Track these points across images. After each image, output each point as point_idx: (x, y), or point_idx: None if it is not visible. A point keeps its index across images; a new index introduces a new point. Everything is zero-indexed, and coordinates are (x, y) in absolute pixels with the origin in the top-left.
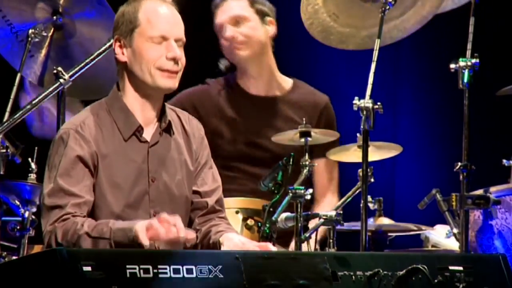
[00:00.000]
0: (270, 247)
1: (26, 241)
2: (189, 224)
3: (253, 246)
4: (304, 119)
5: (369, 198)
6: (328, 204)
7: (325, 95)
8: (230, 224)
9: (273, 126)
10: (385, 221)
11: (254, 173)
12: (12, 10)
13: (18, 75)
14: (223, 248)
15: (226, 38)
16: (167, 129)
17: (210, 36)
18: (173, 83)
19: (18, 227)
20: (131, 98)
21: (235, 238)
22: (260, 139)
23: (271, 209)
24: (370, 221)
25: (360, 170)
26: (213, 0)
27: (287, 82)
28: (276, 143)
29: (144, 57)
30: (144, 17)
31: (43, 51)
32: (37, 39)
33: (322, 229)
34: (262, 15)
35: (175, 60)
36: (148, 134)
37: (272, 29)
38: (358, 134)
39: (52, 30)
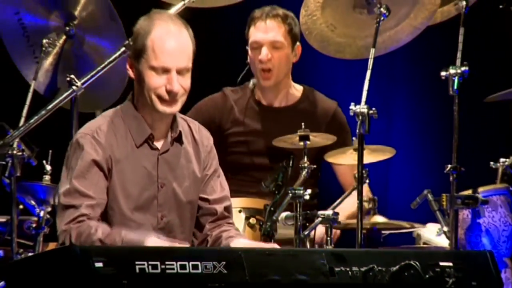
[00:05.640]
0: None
1: (41, 238)
2: (196, 227)
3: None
4: (302, 124)
5: (364, 198)
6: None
7: (334, 101)
8: (238, 230)
9: (283, 135)
10: (379, 219)
11: (260, 178)
12: (29, 14)
13: (33, 82)
14: None
15: (261, 59)
16: (178, 139)
17: (226, 43)
18: (172, 109)
19: (33, 226)
20: (142, 110)
21: (245, 242)
22: (269, 148)
23: (272, 209)
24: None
25: (355, 172)
26: (252, 12)
27: (298, 91)
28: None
29: (146, 84)
30: (150, 45)
31: (50, 61)
32: (50, 49)
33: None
34: (294, 41)
35: (173, 93)
36: (159, 142)
37: (297, 56)
38: (354, 138)
39: (63, 39)
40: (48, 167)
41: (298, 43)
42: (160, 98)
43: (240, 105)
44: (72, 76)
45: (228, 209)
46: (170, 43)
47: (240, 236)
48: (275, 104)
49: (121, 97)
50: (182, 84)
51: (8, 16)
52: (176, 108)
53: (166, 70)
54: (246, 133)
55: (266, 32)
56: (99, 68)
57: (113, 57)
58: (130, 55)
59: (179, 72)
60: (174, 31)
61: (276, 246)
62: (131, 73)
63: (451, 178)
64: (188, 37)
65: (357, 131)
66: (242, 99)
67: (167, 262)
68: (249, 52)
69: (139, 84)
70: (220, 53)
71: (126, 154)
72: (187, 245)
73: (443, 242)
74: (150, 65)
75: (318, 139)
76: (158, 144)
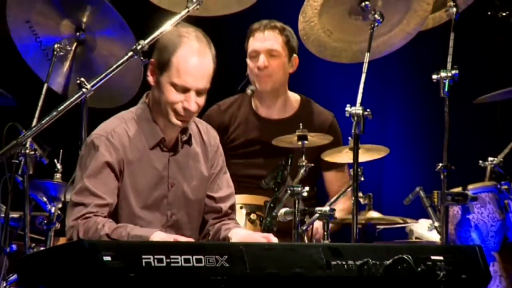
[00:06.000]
0: (272, 237)
1: (53, 233)
2: (202, 222)
3: (258, 236)
4: (300, 124)
5: (360, 194)
6: (341, 209)
7: (331, 112)
8: (238, 223)
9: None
10: (374, 214)
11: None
12: (40, 25)
13: (45, 85)
14: (231, 240)
15: (259, 66)
16: (187, 141)
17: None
18: (185, 124)
19: (45, 221)
20: (156, 115)
21: (242, 231)
22: (268, 159)
23: (272, 205)
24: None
25: (351, 170)
26: (251, 25)
27: (295, 102)
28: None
29: (164, 96)
30: (175, 63)
31: (67, 64)
32: (62, 53)
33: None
34: (291, 52)
35: (189, 111)
36: (170, 145)
37: (294, 67)
38: (349, 138)
39: (75, 45)
40: (59, 166)
41: (295, 55)
42: (175, 112)
43: (238, 118)
44: (82, 79)
45: (232, 207)
46: (193, 64)
47: (237, 227)
48: (273, 116)
49: (136, 95)
50: (198, 102)
51: (19, 24)
52: (187, 123)
53: (186, 89)
54: (245, 146)
55: (263, 41)
56: (107, 72)
57: (121, 61)
58: (153, 63)
59: (198, 92)
60: (199, 52)
61: (272, 236)
62: (151, 79)
63: (442, 176)
64: (210, 59)
65: (353, 131)
66: (240, 111)
67: (172, 256)
68: (248, 62)
69: (157, 93)
70: (220, 63)
71: (138, 156)
72: (191, 239)
73: (435, 237)
74: (171, 81)
75: (316, 139)
76: (169, 147)
